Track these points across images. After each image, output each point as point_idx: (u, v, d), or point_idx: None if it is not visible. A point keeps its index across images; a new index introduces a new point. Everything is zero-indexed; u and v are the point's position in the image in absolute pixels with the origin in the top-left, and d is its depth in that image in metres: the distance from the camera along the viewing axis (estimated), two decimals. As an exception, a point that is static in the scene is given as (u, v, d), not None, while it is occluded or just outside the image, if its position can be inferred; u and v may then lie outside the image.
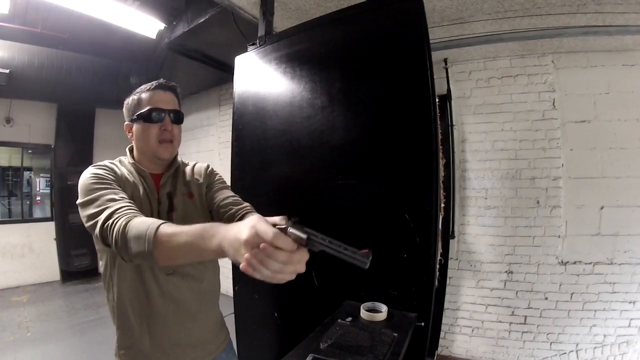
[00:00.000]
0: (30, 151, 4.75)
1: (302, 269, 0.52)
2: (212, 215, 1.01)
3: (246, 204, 1.00)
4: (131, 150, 1.01)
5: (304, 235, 0.51)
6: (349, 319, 1.03)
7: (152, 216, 0.85)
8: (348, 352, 0.82)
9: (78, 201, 0.80)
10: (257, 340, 1.62)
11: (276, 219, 0.55)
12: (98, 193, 0.78)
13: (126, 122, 0.98)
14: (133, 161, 0.96)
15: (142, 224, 0.67)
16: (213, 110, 4.55)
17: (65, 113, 4.69)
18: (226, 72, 3.74)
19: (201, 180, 1.05)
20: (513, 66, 2.60)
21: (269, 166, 1.58)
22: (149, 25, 3.22)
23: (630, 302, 2.29)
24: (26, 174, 4.78)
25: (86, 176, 0.83)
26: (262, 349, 1.59)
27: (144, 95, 0.95)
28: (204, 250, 0.59)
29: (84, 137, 4.89)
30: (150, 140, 0.93)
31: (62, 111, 4.68)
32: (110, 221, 0.70)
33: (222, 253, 0.56)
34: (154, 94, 0.95)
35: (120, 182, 0.88)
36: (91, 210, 0.76)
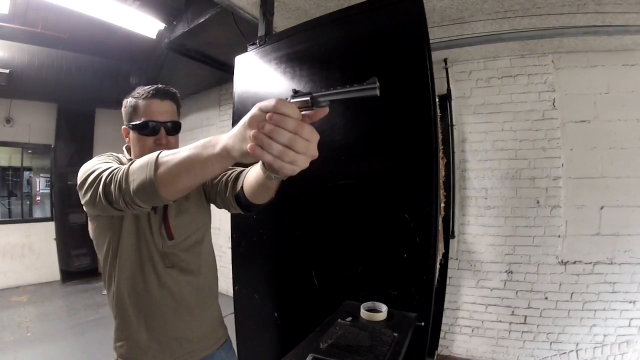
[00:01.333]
0: (30, 151, 4.76)
1: (314, 150, 0.47)
2: (206, 197, 1.03)
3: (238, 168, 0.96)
4: (128, 150, 1.00)
5: (306, 98, 0.48)
6: (349, 319, 1.03)
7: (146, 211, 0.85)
8: (348, 352, 0.82)
9: (78, 181, 0.78)
10: (257, 340, 1.62)
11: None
12: (100, 166, 0.76)
13: (123, 126, 0.98)
14: (130, 159, 0.96)
15: (144, 157, 0.66)
16: (213, 110, 4.55)
17: (65, 113, 4.69)
18: (226, 72, 3.73)
19: None
20: (513, 66, 2.61)
21: (269, 166, 1.58)
22: (149, 25, 3.22)
23: (630, 302, 2.29)
24: (26, 174, 4.78)
25: (88, 162, 0.82)
26: (262, 349, 1.59)
27: (140, 103, 0.92)
28: (208, 160, 0.55)
29: (84, 137, 4.89)
30: (144, 151, 0.88)
31: (62, 111, 4.68)
32: (114, 172, 0.69)
33: (227, 154, 0.52)
34: (151, 104, 0.92)
35: None
36: (92, 177, 0.73)
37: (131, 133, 0.94)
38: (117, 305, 0.91)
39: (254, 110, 0.48)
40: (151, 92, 0.93)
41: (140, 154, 0.90)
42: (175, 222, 0.94)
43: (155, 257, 0.90)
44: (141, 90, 0.94)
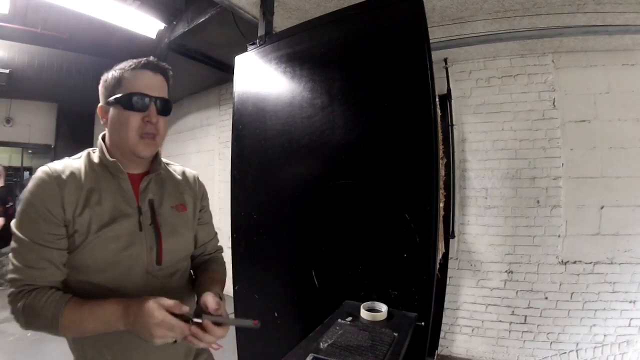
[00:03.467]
0: (30, 151, 4.76)
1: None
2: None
3: (208, 254, 0.98)
4: (104, 140, 0.81)
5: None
6: (349, 319, 1.03)
7: (129, 232, 0.74)
8: (348, 352, 0.82)
9: (12, 224, 0.69)
10: (257, 340, 1.62)
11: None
12: (26, 240, 0.67)
13: (100, 104, 0.79)
14: (107, 156, 0.77)
15: (43, 313, 0.66)
16: (213, 110, 4.55)
17: (65, 113, 4.70)
18: (226, 72, 3.73)
19: (197, 194, 0.93)
20: (513, 66, 2.60)
21: (269, 166, 1.58)
22: (149, 25, 3.21)
23: (630, 302, 2.29)
24: (26, 174, 4.78)
25: (26, 194, 0.69)
26: (262, 349, 1.59)
27: (127, 75, 0.75)
28: (112, 328, 0.67)
29: (84, 137, 4.90)
30: (128, 132, 0.74)
31: (62, 111, 4.69)
32: (15, 304, 0.67)
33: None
34: (140, 75, 0.76)
35: (75, 198, 0.70)
36: (14, 261, 0.68)
37: (112, 110, 0.76)
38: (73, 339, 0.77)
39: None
40: (141, 61, 0.77)
41: (123, 138, 0.75)
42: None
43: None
44: (127, 62, 0.77)
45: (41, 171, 0.71)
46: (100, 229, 0.71)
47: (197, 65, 3.69)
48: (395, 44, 1.26)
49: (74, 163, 0.76)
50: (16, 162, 4.71)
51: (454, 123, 2.70)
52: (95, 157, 0.78)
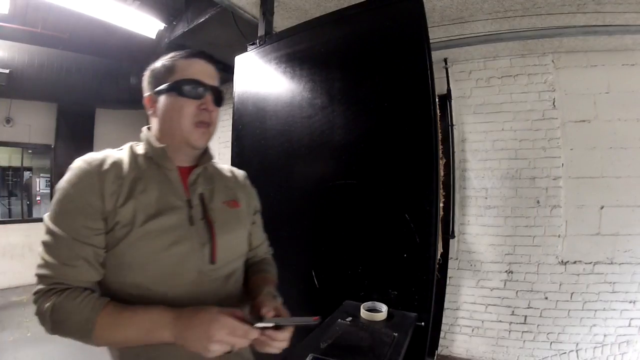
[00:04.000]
0: (30, 151, 4.75)
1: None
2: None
3: (262, 255, 0.94)
4: (148, 131, 0.77)
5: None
6: (349, 319, 1.03)
7: (178, 226, 0.68)
8: (348, 352, 0.82)
9: (45, 216, 0.64)
10: (257, 340, 1.61)
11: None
12: (60, 234, 0.61)
13: (147, 94, 0.75)
14: (156, 146, 0.71)
15: (75, 318, 0.59)
16: (213, 110, 4.54)
17: (65, 113, 4.69)
18: (226, 72, 3.73)
19: (250, 194, 0.90)
20: (513, 66, 2.60)
21: (269, 166, 1.58)
22: (149, 25, 3.21)
23: (630, 302, 2.29)
24: (26, 174, 4.78)
25: (62, 184, 0.64)
26: (262, 348, 1.59)
27: (179, 62, 0.72)
28: (152, 340, 0.60)
29: (84, 137, 4.89)
30: (183, 120, 0.70)
31: (62, 111, 4.68)
32: (42, 304, 0.60)
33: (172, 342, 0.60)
34: (194, 63, 0.73)
35: (117, 187, 0.65)
36: (45, 256, 0.61)
37: (163, 99, 0.71)
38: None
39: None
40: (193, 51, 0.74)
41: (176, 127, 0.71)
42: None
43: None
44: (176, 52, 0.75)
45: (80, 160, 0.66)
46: (147, 221, 0.64)
47: (197, 65, 3.68)
48: (395, 44, 1.26)
49: (115, 153, 0.71)
50: (16, 162, 4.70)
51: (454, 123, 2.70)
52: (140, 149, 0.73)
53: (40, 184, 4.85)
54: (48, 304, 0.59)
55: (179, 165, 0.74)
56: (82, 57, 4.06)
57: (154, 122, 0.75)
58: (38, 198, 4.84)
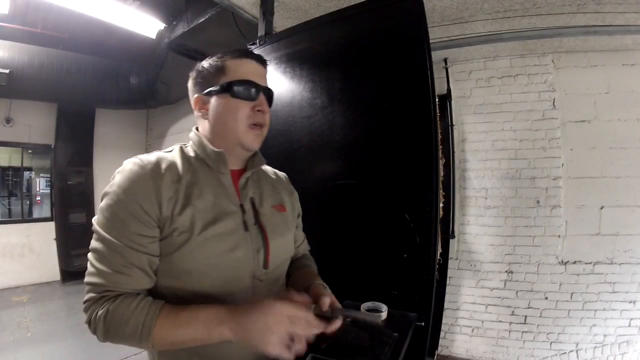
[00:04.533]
0: (30, 151, 4.75)
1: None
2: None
3: (301, 250, 0.94)
4: (197, 131, 0.75)
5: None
6: (349, 319, 1.03)
7: (234, 231, 0.66)
8: (348, 352, 0.82)
9: (94, 222, 0.61)
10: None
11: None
12: (113, 241, 0.59)
13: (196, 95, 0.72)
14: (212, 149, 0.69)
15: (130, 326, 0.57)
16: (213, 110, 4.54)
17: (65, 113, 4.69)
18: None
19: (294, 196, 0.90)
20: (513, 66, 2.60)
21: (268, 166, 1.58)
22: (149, 25, 3.22)
23: (630, 302, 2.29)
24: (26, 174, 4.78)
25: (114, 189, 0.60)
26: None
27: (230, 63, 0.70)
28: (214, 339, 0.58)
29: (84, 137, 4.90)
30: (237, 122, 0.68)
31: (62, 111, 4.68)
32: (95, 313, 0.58)
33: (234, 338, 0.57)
34: (246, 64, 0.71)
35: (173, 192, 0.63)
36: (96, 263, 0.59)
37: (215, 100, 0.69)
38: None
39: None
40: (243, 51, 0.72)
41: (230, 129, 0.69)
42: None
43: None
44: (223, 52, 0.72)
45: (132, 163, 0.63)
46: (205, 228, 0.63)
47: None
48: (395, 44, 1.26)
49: (167, 155, 0.68)
50: (16, 162, 4.70)
51: (453, 123, 2.70)
52: (190, 151, 0.72)
53: (40, 184, 4.85)
54: (101, 311, 0.57)
55: (230, 168, 0.73)
56: (82, 57, 4.06)
57: (204, 124, 0.73)
58: (38, 198, 4.84)
